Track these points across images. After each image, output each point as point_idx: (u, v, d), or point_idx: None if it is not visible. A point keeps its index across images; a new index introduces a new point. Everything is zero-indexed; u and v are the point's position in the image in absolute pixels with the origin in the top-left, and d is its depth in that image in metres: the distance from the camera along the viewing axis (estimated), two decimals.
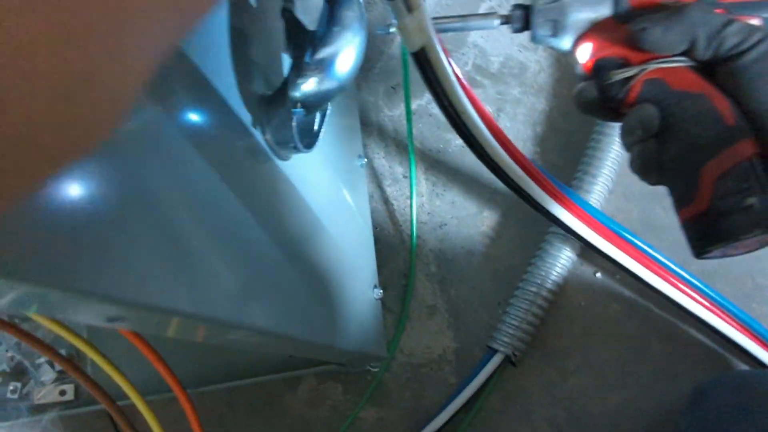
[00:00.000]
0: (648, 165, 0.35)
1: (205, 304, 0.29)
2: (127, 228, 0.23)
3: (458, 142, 0.68)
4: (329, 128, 0.53)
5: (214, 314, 0.30)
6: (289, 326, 0.39)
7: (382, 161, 0.70)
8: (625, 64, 0.36)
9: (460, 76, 0.38)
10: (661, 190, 0.62)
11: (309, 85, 0.39)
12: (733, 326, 0.52)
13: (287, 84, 0.40)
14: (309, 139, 0.42)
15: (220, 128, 0.34)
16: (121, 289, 0.22)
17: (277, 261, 0.40)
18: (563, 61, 0.67)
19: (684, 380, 0.58)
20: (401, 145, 0.69)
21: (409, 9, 0.31)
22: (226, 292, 0.31)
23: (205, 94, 0.33)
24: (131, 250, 0.23)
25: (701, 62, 0.34)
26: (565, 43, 0.38)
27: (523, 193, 0.48)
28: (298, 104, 0.38)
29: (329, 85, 0.36)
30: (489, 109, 0.68)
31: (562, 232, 0.56)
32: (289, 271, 0.41)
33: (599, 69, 0.37)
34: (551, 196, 0.49)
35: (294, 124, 0.40)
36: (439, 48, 0.34)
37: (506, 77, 0.69)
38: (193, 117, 0.31)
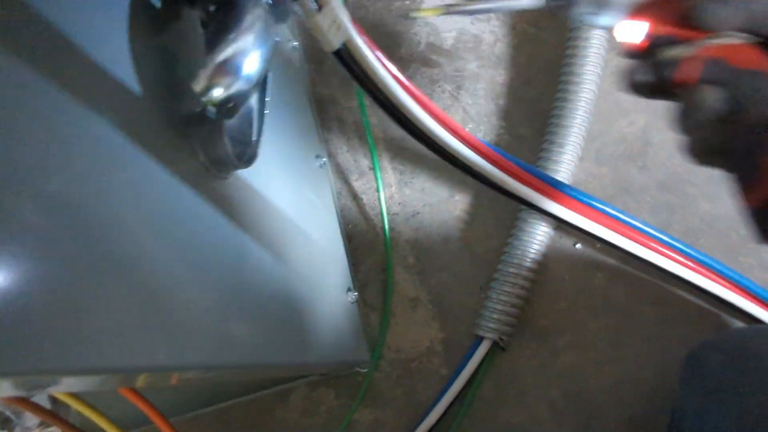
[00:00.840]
0: (711, 150, 0.32)
1: (178, 352, 0.27)
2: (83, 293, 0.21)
3: None
4: (280, 133, 0.51)
5: (187, 361, 0.28)
6: (263, 355, 0.37)
7: (345, 155, 0.68)
8: (684, 42, 0.33)
9: (388, 65, 0.35)
10: (633, 151, 0.59)
11: (205, 84, 0.36)
12: (720, 284, 0.50)
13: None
14: (248, 154, 0.39)
15: (151, 157, 0.31)
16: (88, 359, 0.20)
17: (243, 287, 0.38)
18: (518, 27, 0.64)
19: (679, 344, 0.56)
20: (364, 137, 0.67)
21: (320, 6, 0.28)
22: (197, 335, 0.29)
23: (124, 120, 0.30)
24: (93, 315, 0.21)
25: (766, 37, 0.31)
26: (609, 21, 0.35)
27: (484, 179, 0.46)
28: (214, 109, 0.35)
29: (230, 81, 0.33)
30: (448, 87, 0.65)
31: (529, 209, 0.54)
32: (256, 295, 0.39)
33: (653, 48, 0.34)
34: (513, 177, 0.47)
35: (225, 138, 0.37)
36: (360, 41, 0.31)
37: (462, 52, 0.66)
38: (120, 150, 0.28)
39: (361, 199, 0.67)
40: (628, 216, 0.51)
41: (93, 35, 0.28)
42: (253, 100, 0.40)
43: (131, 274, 0.25)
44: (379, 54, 0.33)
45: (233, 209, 0.40)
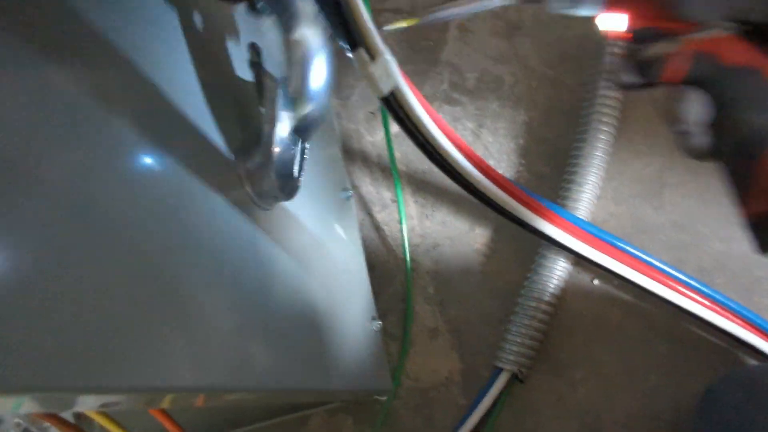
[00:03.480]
0: (702, 154, 0.31)
1: (206, 373, 0.29)
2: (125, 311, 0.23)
3: None
4: (310, 166, 0.53)
5: (214, 382, 0.29)
6: (289, 380, 0.39)
7: (369, 188, 0.70)
8: (667, 35, 0.30)
9: (432, 109, 0.38)
10: (649, 191, 0.62)
11: (285, 126, 0.39)
12: (735, 323, 0.52)
13: (262, 135, 0.40)
14: (290, 187, 0.42)
15: (199, 186, 0.34)
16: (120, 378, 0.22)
17: (271, 313, 0.39)
18: (539, 70, 0.67)
19: (695, 379, 0.57)
20: (387, 170, 0.69)
21: (373, 57, 0.31)
22: (224, 356, 0.31)
23: (180, 154, 0.32)
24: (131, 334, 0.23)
25: (757, 25, 0.28)
26: (586, 11, 0.32)
27: (511, 215, 0.48)
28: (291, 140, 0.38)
29: (311, 113, 0.36)
30: (469, 125, 0.68)
31: (553, 246, 0.56)
32: (283, 320, 0.41)
33: (638, 43, 0.31)
34: (538, 214, 0.49)
35: (273, 175, 0.40)
36: (407, 88, 0.34)
37: (483, 92, 0.69)
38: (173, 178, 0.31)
39: (383, 231, 0.69)
40: (645, 254, 0.53)
41: (162, 69, 0.30)
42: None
43: (168, 296, 0.27)
44: (421, 96, 0.36)
45: (264, 236, 0.42)
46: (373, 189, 0.70)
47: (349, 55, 0.31)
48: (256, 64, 0.41)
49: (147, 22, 0.32)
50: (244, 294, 0.36)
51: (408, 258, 0.66)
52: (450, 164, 0.40)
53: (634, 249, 0.53)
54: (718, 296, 0.52)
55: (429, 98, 0.70)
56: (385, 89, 0.32)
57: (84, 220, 0.22)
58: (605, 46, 0.61)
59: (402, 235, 0.66)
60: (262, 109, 0.41)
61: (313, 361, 0.43)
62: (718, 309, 0.51)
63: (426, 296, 0.66)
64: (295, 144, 0.41)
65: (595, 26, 0.33)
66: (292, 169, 0.42)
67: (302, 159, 0.43)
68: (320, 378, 0.42)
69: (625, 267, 0.52)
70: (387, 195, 0.70)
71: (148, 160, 0.29)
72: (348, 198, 0.64)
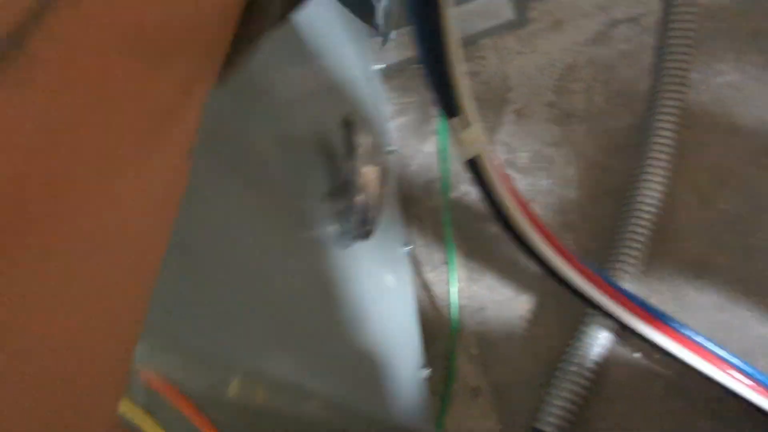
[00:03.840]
0: None
1: (305, 373, 0.33)
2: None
3: (492, 230, 0.73)
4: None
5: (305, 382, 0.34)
6: (351, 397, 0.42)
7: (421, 249, 0.75)
8: None
9: (508, 177, 0.43)
10: (692, 272, 0.65)
11: (368, 178, 0.45)
12: None
13: (349, 184, 0.46)
14: (366, 230, 0.47)
15: (297, 224, 0.39)
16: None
17: (340, 339, 0.44)
18: (589, 154, 0.73)
19: None
20: (439, 234, 0.74)
21: (467, 124, 0.36)
22: (318, 365, 0.35)
23: (283, 201, 0.38)
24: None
25: None
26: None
27: (565, 280, 0.52)
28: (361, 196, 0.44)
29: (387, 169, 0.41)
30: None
31: (600, 314, 0.59)
32: (347, 349, 0.45)
33: None
34: (594, 284, 0.53)
35: (355, 218, 0.45)
36: (488, 156, 0.39)
37: (535, 171, 0.74)
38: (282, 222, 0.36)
39: (432, 290, 0.73)
40: (690, 330, 0.56)
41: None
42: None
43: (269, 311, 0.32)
44: (499, 164, 0.41)
45: (343, 273, 0.46)
46: (425, 250, 0.75)
47: (448, 120, 0.36)
48: (348, 124, 0.47)
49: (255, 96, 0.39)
50: (323, 318, 0.41)
51: (455, 318, 0.69)
52: (517, 229, 0.45)
53: (680, 325, 0.56)
54: (761, 376, 0.54)
55: None
56: (472, 153, 0.38)
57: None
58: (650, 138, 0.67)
59: (451, 296, 0.70)
60: (349, 163, 0.47)
61: (370, 388, 0.47)
62: (761, 389, 0.53)
63: (469, 356, 0.69)
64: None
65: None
66: (370, 213, 0.48)
67: (380, 204, 0.49)
68: (376, 404, 0.45)
69: (669, 340, 0.55)
70: (438, 257, 0.74)
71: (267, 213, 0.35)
72: (407, 253, 0.68)
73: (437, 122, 0.79)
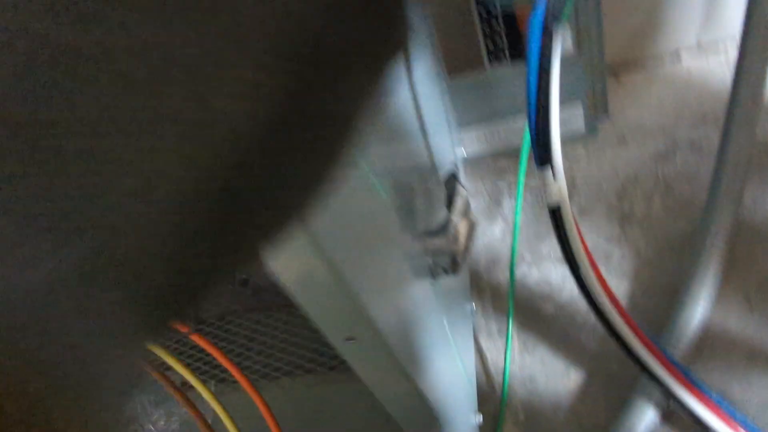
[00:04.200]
0: None
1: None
2: None
3: (549, 309, 0.79)
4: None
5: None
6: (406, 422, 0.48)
7: (479, 317, 0.81)
8: None
9: (584, 239, 0.51)
10: (738, 369, 0.69)
11: (462, 227, 0.54)
12: None
13: (446, 228, 0.54)
14: (456, 267, 0.55)
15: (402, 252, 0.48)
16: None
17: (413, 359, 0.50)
18: (643, 251, 0.80)
19: None
20: (498, 306, 0.81)
21: (554, 176, 0.45)
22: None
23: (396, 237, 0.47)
24: None
25: None
26: None
27: (623, 342, 0.57)
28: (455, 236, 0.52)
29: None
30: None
31: (646, 395, 0.63)
32: (417, 371, 0.51)
33: None
34: (647, 349, 0.58)
35: (448, 256, 0.54)
36: (569, 209, 0.48)
37: None
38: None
39: (485, 356, 0.78)
40: (746, 418, 0.59)
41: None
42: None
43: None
44: (579, 226, 0.49)
45: (432, 303, 0.54)
46: (482, 319, 0.81)
47: (540, 170, 0.46)
48: (452, 181, 0.57)
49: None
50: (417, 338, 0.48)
51: (506, 385, 0.74)
52: (585, 281, 0.52)
53: (736, 411, 0.59)
54: None
55: (543, 256, 0.83)
56: (555, 202, 0.47)
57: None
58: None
59: (505, 364, 0.75)
60: (448, 211, 0.56)
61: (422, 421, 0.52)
62: None
63: (516, 421, 0.72)
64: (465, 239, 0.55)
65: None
66: (457, 255, 0.56)
67: (465, 257, 0.57)
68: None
69: (721, 423, 0.58)
70: (494, 326, 0.80)
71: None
72: (472, 312, 0.75)
73: (506, 209, 0.89)
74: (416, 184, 0.51)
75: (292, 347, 0.64)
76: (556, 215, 0.48)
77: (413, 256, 0.50)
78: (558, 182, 0.46)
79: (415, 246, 0.52)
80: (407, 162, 0.51)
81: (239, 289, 0.70)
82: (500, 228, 0.88)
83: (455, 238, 0.54)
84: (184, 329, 0.57)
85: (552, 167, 0.45)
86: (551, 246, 0.84)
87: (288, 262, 0.27)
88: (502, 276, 0.83)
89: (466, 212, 0.57)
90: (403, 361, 0.40)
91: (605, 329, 0.59)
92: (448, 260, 0.54)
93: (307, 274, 0.28)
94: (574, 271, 0.52)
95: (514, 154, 0.90)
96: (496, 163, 0.94)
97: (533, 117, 0.43)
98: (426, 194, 0.55)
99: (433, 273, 0.55)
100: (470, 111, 0.90)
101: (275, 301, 0.69)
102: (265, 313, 0.69)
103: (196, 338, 0.56)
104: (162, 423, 0.70)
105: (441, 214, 0.58)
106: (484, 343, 0.79)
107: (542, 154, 0.45)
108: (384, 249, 0.41)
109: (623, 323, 0.56)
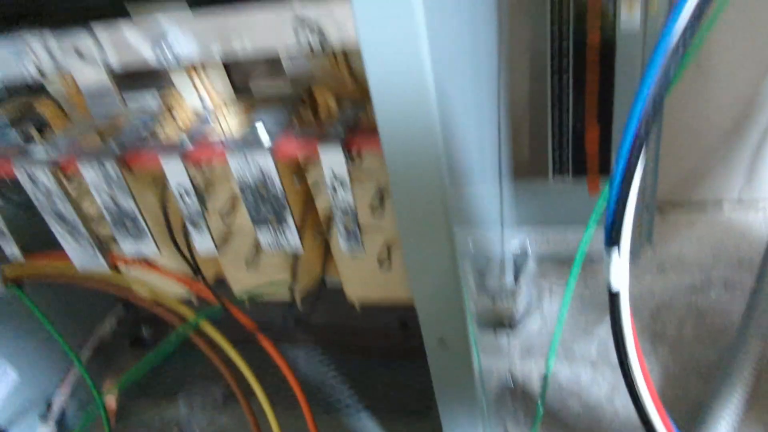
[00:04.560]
0: None
1: None
2: None
3: (575, 408, 0.83)
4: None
5: None
6: None
7: (508, 401, 0.85)
8: None
9: (635, 329, 0.57)
10: None
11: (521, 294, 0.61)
12: None
13: (507, 290, 0.62)
14: (514, 323, 0.62)
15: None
16: None
17: None
18: (672, 372, 0.85)
19: None
20: (527, 396, 0.85)
21: (619, 257, 0.53)
22: None
23: None
24: None
25: None
26: None
27: None
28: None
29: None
30: (606, 383, 0.84)
31: None
32: None
33: None
34: None
35: (509, 314, 0.61)
36: (626, 296, 0.55)
37: None
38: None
39: None
40: None
41: None
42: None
43: None
44: (633, 318, 0.56)
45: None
46: (512, 404, 0.85)
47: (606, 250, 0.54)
48: (523, 253, 0.66)
49: None
50: None
51: None
52: (631, 369, 0.57)
53: None
54: None
55: (575, 356, 0.88)
56: (615, 286, 0.54)
57: None
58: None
59: None
60: (509, 279, 0.64)
61: None
62: None
63: None
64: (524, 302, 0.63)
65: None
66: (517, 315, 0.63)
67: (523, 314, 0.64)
68: None
69: None
70: (521, 415, 0.84)
71: None
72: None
73: (545, 306, 0.95)
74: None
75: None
76: (614, 300, 0.55)
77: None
78: (621, 264, 0.54)
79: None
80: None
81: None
82: (538, 323, 0.94)
83: (516, 298, 0.62)
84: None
85: (619, 249, 0.53)
86: (585, 348, 0.89)
87: None
88: (535, 366, 0.88)
89: (528, 282, 0.65)
90: None
91: (638, 416, 0.63)
92: (507, 320, 0.61)
93: None
94: (622, 356, 0.58)
95: (558, 259, 0.98)
96: (540, 265, 1.02)
97: (615, 194, 0.51)
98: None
99: (494, 320, 0.61)
100: (524, 214, 1.00)
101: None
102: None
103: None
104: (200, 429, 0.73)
105: (507, 281, 0.66)
106: (512, 429, 0.83)
107: (614, 235, 0.53)
108: None
109: (656, 412, 0.61)
